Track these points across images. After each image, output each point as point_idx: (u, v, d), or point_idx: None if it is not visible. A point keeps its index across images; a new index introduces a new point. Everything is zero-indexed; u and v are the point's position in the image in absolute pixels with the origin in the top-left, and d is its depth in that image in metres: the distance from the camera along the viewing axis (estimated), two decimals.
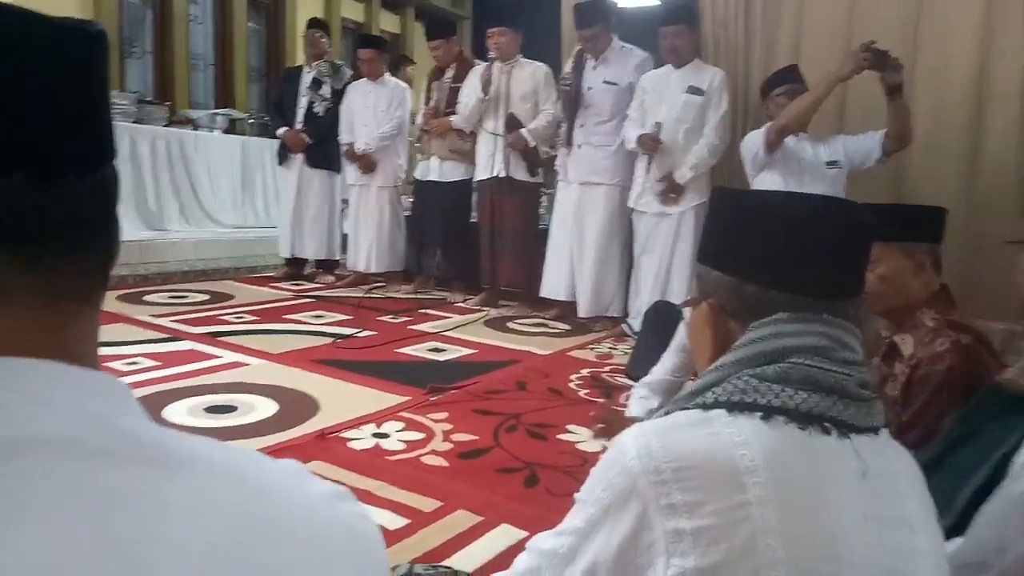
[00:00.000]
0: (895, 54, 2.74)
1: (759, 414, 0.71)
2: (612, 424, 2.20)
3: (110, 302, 3.82)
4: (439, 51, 4.42)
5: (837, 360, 0.75)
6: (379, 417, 2.35)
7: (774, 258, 0.79)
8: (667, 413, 0.78)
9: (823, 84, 2.82)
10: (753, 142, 3.03)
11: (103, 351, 2.83)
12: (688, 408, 0.75)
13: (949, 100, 3.32)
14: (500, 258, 4.19)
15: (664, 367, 2.19)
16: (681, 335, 2.26)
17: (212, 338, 3.24)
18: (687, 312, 0.94)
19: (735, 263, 0.82)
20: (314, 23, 4.86)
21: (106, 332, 3.14)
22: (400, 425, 2.29)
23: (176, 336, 3.23)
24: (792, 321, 0.76)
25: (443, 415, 2.41)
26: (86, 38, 0.41)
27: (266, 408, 2.39)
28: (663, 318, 2.31)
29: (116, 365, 2.75)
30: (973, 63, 3.27)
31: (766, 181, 3.05)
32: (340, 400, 2.51)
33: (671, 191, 3.49)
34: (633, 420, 2.03)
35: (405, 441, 2.16)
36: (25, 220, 0.37)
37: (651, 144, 3.42)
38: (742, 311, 0.81)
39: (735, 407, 0.72)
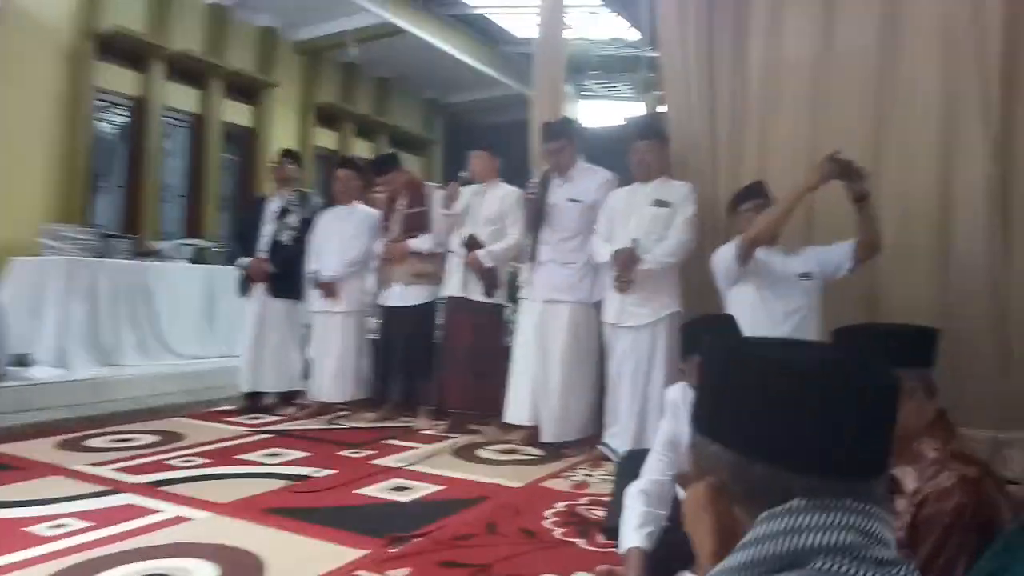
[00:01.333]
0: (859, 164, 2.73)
1: None
2: None
3: (46, 450, 3.56)
4: (391, 183, 4.48)
5: (870, 561, 0.60)
6: None
7: (785, 431, 0.64)
8: None
9: (792, 195, 2.80)
10: (724, 256, 2.97)
11: (27, 512, 2.61)
12: None
13: (914, 207, 3.32)
14: (457, 380, 4.01)
15: (653, 469, 1.98)
16: (664, 432, 2.09)
17: (154, 488, 2.96)
18: (680, 491, 0.77)
19: (738, 436, 0.67)
20: (285, 153, 4.86)
21: (34, 488, 2.89)
22: None
23: (114, 488, 2.94)
24: (810, 511, 0.61)
25: (405, 571, 2.14)
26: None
27: (205, 575, 2.11)
28: (637, 468, 2.13)
29: (38, 529, 2.46)
30: (934, 170, 3.29)
31: (741, 294, 2.98)
32: (289, 559, 2.24)
33: (624, 275, 3.32)
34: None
35: None
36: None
37: (627, 259, 3.31)
38: (750, 495, 0.65)
39: None
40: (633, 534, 1.81)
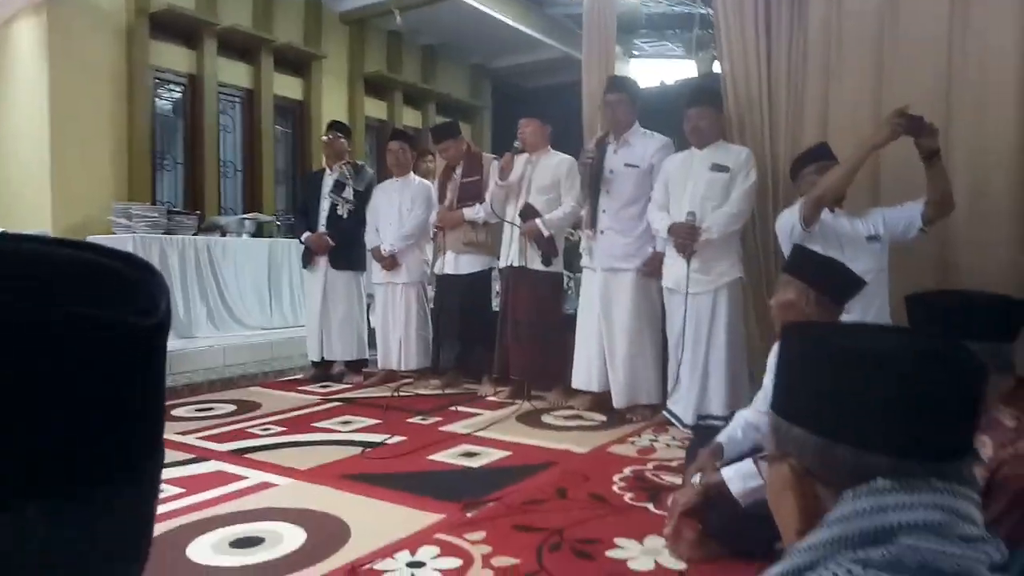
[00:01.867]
0: (928, 120, 2.66)
1: None
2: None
3: None
4: (448, 152, 4.50)
5: (956, 538, 0.61)
6: (412, 542, 2.19)
7: (871, 415, 0.66)
8: None
9: (858, 153, 2.73)
10: (788, 219, 2.94)
11: None
12: None
13: (989, 167, 3.20)
14: (517, 348, 4.07)
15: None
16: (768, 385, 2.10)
17: (239, 456, 3.14)
18: (764, 467, 0.80)
19: (820, 421, 0.69)
20: (332, 125, 4.93)
21: None
22: (436, 550, 2.13)
23: (202, 456, 3.13)
24: (896, 491, 0.63)
25: (481, 535, 2.24)
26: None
27: (294, 538, 2.25)
28: (706, 441, 2.20)
29: None
30: (1011, 125, 3.17)
31: None
32: (371, 522, 2.37)
33: (687, 238, 3.31)
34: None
35: (442, 570, 2.00)
36: None
37: (687, 233, 3.30)
38: (833, 476, 0.68)
39: None
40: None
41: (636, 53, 8.17)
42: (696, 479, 2.06)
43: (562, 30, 8.14)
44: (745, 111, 3.82)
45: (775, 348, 2.17)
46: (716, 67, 4.53)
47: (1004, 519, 1.35)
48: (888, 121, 2.61)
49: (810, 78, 3.68)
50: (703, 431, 2.58)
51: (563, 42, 8.13)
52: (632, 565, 2.03)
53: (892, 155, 3.11)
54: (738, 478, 1.92)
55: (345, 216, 4.72)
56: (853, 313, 2.81)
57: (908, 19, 3.43)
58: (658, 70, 7.91)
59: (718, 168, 3.37)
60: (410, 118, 8.75)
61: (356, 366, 4.89)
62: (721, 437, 2.12)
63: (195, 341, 5.30)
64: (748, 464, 1.94)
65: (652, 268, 3.65)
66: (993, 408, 1.46)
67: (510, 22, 7.49)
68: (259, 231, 6.47)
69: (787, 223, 2.95)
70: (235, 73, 6.86)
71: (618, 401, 3.69)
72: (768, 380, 2.17)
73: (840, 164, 2.84)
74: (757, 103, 3.79)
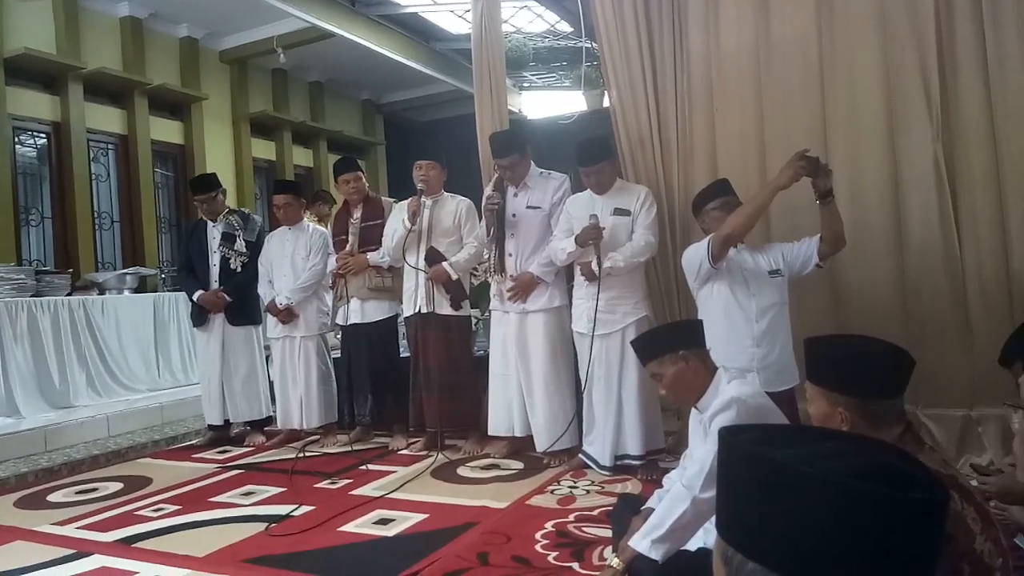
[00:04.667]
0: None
1: None
2: None
3: (5, 510, 3.40)
4: (350, 185, 4.32)
5: None
6: None
7: (837, 559, 0.61)
8: None
9: (764, 193, 2.82)
10: (695, 255, 2.97)
11: None
12: None
13: (865, 191, 3.39)
14: (431, 397, 3.93)
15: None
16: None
17: (126, 546, 2.84)
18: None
19: (781, 557, 0.63)
20: (197, 187, 4.57)
21: (1, 555, 2.73)
22: None
23: (83, 551, 2.81)
24: None
25: None
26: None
27: None
28: (631, 511, 2.17)
29: None
30: (882, 151, 3.37)
31: (713, 293, 2.99)
32: None
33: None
34: None
35: None
36: None
37: (593, 232, 3.27)
38: None
39: None
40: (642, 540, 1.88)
41: (527, 85, 8.27)
42: (610, 558, 2.02)
43: (451, 65, 8.14)
44: (636, 145, 3.88)
45: (694, 413, 2.17)
46: (606, 101, 4.60)
47: None
48: (791, 163, 2.71)
49: (695, 111, 3.79)
50: (627, 498, 2.55)
51: (453, 77, 8.13)
52: None
53: (780, 196, 3.22)
54: (641, 537, 1.90)
55: (239, 269, 4.45)
56: (762, 347, 2.89)
57: (780, 55, 3.59)
58: (549, 102, 8.03)
59: (620, 212, 3.40)
60: (301, 157, 8.49)
61: (259, 425, 4.60)
62: (652, 502, 2.07)
63: (74, 411, 4.86)
64: (648, 522, 1.92)
65: (521, 289, 3.61)
66: None
67: (398, 58, 7.41)
68: (142, 286, 6.05)
69: (695, 260, 2.98)
70: (105, 118, 6.44)
71: (540, 444, 3.63)
72: (694, 444, 2.15)
73: (745, 204, 2.92)
74: (648, 137, 3.86)
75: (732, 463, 0.71)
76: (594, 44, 4.54)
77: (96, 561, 2.70)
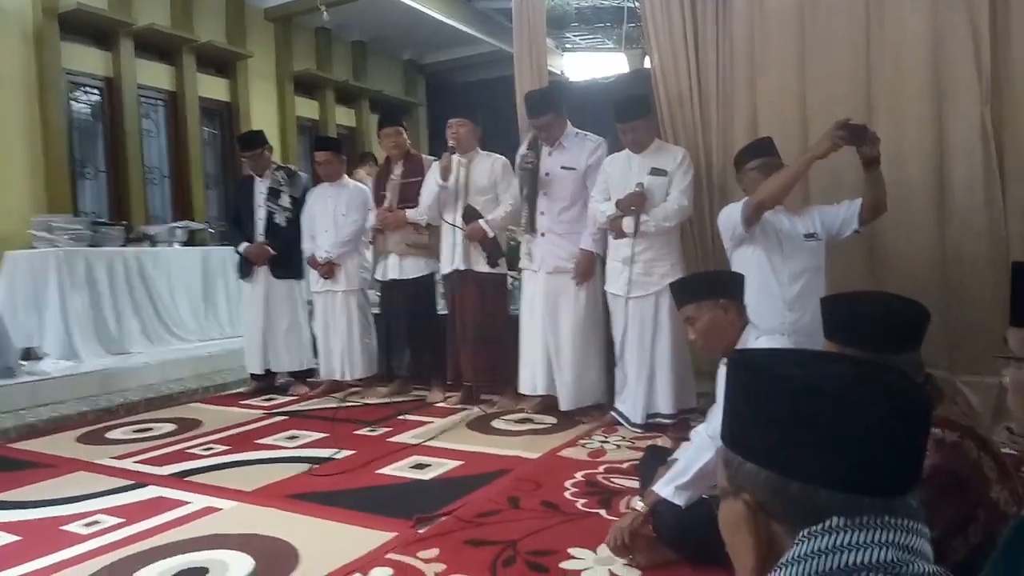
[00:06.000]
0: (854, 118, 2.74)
1: None
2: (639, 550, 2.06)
3: (68, 445, 3.62)
4: (395, 138, 4.40)
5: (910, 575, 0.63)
6: (364, 564, 2.16)
7: (821, 452, 0.66)
8: None
9: (800, 162, 2.80)
10: (730, 217, 2.98)
11: (62, 510, 2.68)
12: None
13: (909, 154, 3.33)
14: (467, 353, 4.05)
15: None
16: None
17: (180, 480, 3.03)
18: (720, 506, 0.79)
19: (771, 456, 0.68)
20: (245, 144, 4.72)
21: (63, 485, 2.96)
22: (388, 572, 2.11)
23: (141, 482, 3.01)
24: (850, 529, 0.64)
25: (434, 552, 2.22)
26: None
27: (241, 567, 2.19)
28: (658, 463, 2.24)
29: (74, 527, 2.54)
30: (927, 115, 3.31)
31: (747, 255, 2.99)
32: (320, 544, 2.32)
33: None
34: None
35: None
36: None
37: (637, 199, 3.32)
38: (787, 513, 0.68)
39: None
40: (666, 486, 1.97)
41: (568, 47, 8.19)
42: (635, 502, 2.10)
43: (493, 25, 8.10)
44: (676, 106, 3.87)
45: (722, 368, 2.23)
46: (647, 62, 4.57)
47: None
48: (829, 134, 2.66)
49: (737, 71, 3.75)
50: (655, 450, 2.62)
51: (495, 37, 8.10)
52: (587, 575, 2.05)
53: (821, 161, 3.20)
54: (664, 483, 1.98)
55: (284, 224, 4.60)
56: (794, 311, 2.90)
57: (826, 13, 3.53)
58: (591, 63, 7.96)
59: (657, 172, 3.41)
60: (343, 117, 8.59)
61: (302, 376, 4.79)
62: (678, 454, 2.15)
63: (130, 358, 5.10)
64: (672, 468, 1.99)
65: (583, 269, 3.66)
66: None
67: (440, 17, 7.41)
68: (191, 239, 6.26)
69: (729, 221, 2.98)
70: (156, 75, 6.60)
71: (565, 403, 3.71)
72: (720, 396, 2.22)
73: (780, 172, 2.90)
74: (688, 98, 3.84)
75: (737, 375, 0.77)
76: (636, 3, 4.49)
77: (152, 491, 2.90)
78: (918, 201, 3.33)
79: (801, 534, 0.66)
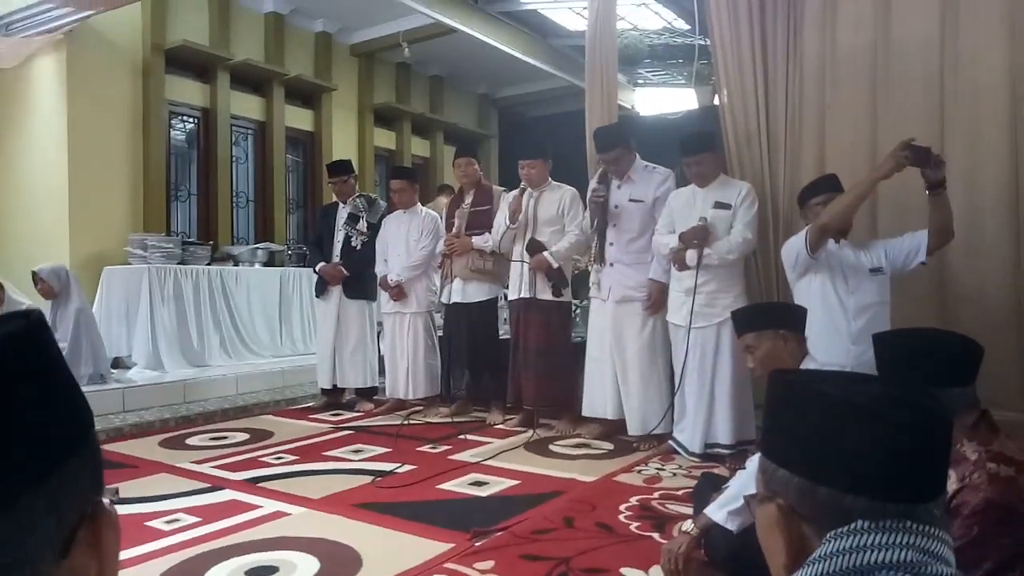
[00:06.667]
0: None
1: None
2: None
3: (152, 448, 3.86)
4: (467, 168, 4.60)
5: None
6: (423, 571, 2.25)
7: (849, 461, 0.72)
8: None
9: (863, 183, 2.80)
10: (794, 246, 2.99)
11: (147, 507, 2.88)
12: None
13: (983, 194, 3.29)
14: (528, 377, 4.14)
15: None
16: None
17: (252, 485, 3.21)
18: (753, 508, 0.86)
19: (803, 463, 0.75)
20: (334, 171, 5.01)
21: (148, 485, 3.16)
22: None
23: (217, 485, 3.20)
24: (873, 531, 0.69)
25: (489, 564, 2.30)
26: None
27: (308, 567, 2.31)
28: (712, 488, 2.27)
29: (157, 524, 2.72)
30: (1004, 154, 3.26)
31: (812, 287, 2.99)
32: (382, 551, 2.43)
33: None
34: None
35: None
36: None
37: (699, 234, 3.37)
38: (816, 516, 0.74)
39: None
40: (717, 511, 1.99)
41: (640, 82, 8.31)
42: (687, 526, 2.13)
43: (566, 60, 8.30)
44: (743, 144, 3.91)
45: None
46: (716, 99, 4.63)
47: (960, 543, 1.40)
48: (894, 154, 2.66)
49: (807, 111, 3.78)
50: (711, 477, 2.64)
51: (567, 72, 8.28)
52: None
53: (888, 187, 3.19)
54: (717, 507, 2.00)
55: (359, 247, 4.83)
56: (858, 345, 2.88)
57: (899, 53, 3.54)
58: (662, 99, 8.05)
59: (721, 206, 3.46)
60: (418, 148, 8.90)
61: (367, 394, 4.97)
62: (733, 481, 2.17)
63: (209, 370, 5.40)
64: (725, 493, 2.01)
65: (655, 299, 3.72)
66: (958, 443, 1.52)
67: (515, 53, 7.64)
68: (270, 260, 6.59)
69: (792, 250, 3.00)
70: (247, 106, 7.03)
71: (632, 428, 3.76)
72: None
73: (844, 194, 2.90)
74: (756, 136, 3.88)
75: (776, 389, 0.84)
76: (708, 41, 4.57)
77: (228, 495, 3.08)
78: (991, 235, 3.28)
79: (828, 535, 0.71)
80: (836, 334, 2.91)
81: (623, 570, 2.23)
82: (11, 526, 0.39)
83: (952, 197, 2.82)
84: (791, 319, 2.30)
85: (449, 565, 2.30)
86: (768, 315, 2.32)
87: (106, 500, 0.46)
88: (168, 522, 2.74)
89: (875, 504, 0.70)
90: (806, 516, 0.75)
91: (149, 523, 2.74)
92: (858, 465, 0.72)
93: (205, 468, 3.49)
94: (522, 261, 4.13)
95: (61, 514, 0.42)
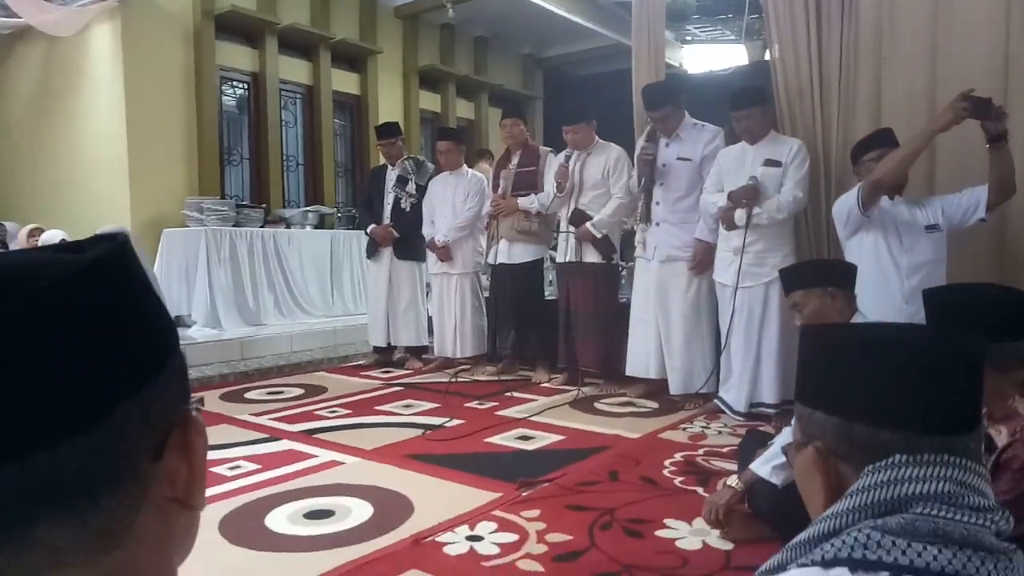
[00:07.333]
0: None
1: (886, 574, 0.65)
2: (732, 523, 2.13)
3: (214, 401, 4.04)
4: (513, 128, 4.60)
5: (966, 508, 0.69)
6: (472, 517, 2.34)
7: (882, 395, 0.74)
8: (781, 563, 0.74)
9: (919, 137, 2.71)
10: (846, 203, 2.93)
11: (211, 455, 3.02)
12: (806, 565, 0.70)
13: None
14: (575, 339, 4.18)
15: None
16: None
17: (309, 436, 3.35)
18: (792, 456, 0.89)
19: (839, 403, 0.77)
20: (384, 131, 5.07)
21: (211, 434, 3.33)
22: (493, 526, 2.28)
23: (275, 436, 3.35)
24: (910, 465, 0.71)
25: (535, 512, 2.38)
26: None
27: (362, 512, 2.42)
28: (756, 446, 2.29)
29: (220, 469, 2.87)
30: None
31: (864, 245, 2.92)
32: (433, 499, 2.53)
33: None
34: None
35: (499, 544, 2.14)
36: None
37: (749, 193, 3.33)
38: (853, 454, 0.76)
39: (858, 565, 0.66)
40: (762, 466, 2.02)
41: (688, 39, 8.12)
42: (731, 480, 2.16)
43: (612, 18, 8.15)
44: (795, 99, 3.82)
45: None
46: (767, 54, 4.51)
47: (1008, 492, 1.40)
48: (952, 105, 2.57)
49: (862, 65, 3.66)
50: (756, 434, 2.66)
51: (613, 30, 8.14)
52: (680, 544, 2.13)
53: (948, 141, 3.09)
54: (762, 463, 2.03)
55: (408, 209, 4.91)
56: (912, 304, 2.83)
57: (961, 5, 3.38)
58: (711, 56, 7.86)
59: (771, 163, 3.40)
60: (463, 110, 8.89)
61: (417, 352, 5.08)
62: (777, 438, 2.19)
63: (264, 328, 5.59)
64: (770, 449, 2.04)
65: (700, 259, 3.70)
66: (1010, 399, 1.50)
67: (560, 12, 7.54)
68: (321, 223, 6.72)
69: (844, 207, 2.93)
70: (295, 70, 7.11)
71: (675, 388, 3.78)
72: None
73: (899, 148, 2.82)
74: (808, 91, 3.78)
75: (807, 340, 0.87)
76: None
77: (285, 444, 3.22)
78: None
79: (866, 470, 0.73)
80: (888, 293, 2.86)
81: (666, 521, 2.28)
82: (110, 430, 0.42)
83: (1015, 150, 2.73)
84: (840, 276, 2.28)
85: (497, 513, 2.38)
86: (816, 272, 2.30)
87: (193, 410, 0.50)
88: (231, 468, 2.89)
89: (911, 437, 0.72)
90: (843, 456, 0.77)
91: (213, 469, 2.88)
92: (891, 400, 0.74)
93: (263, 420, 3.65)
94: (567, 232, 4.14)
95: (154, 422, 0.45)
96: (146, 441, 0.44)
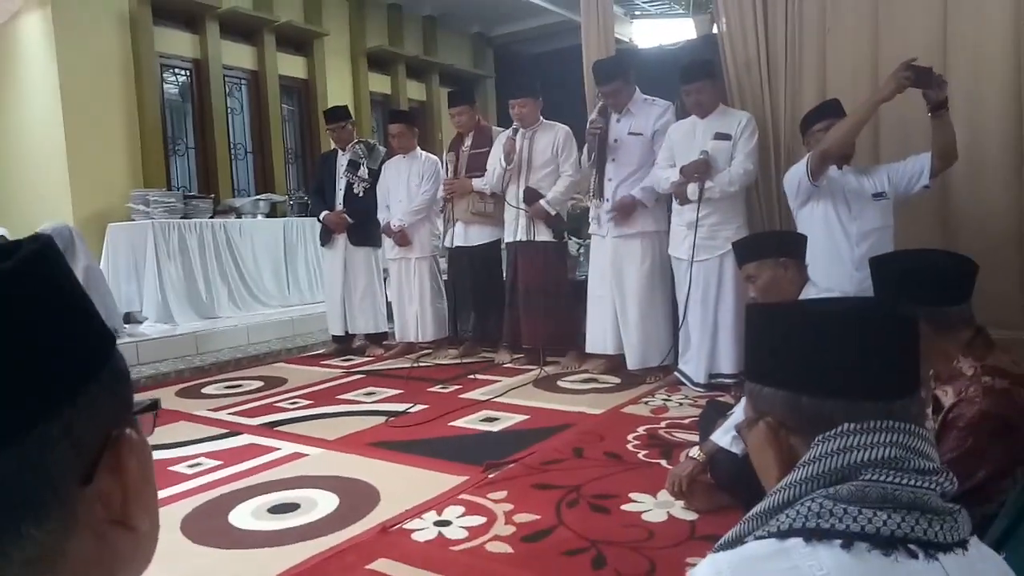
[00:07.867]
0: None
1: (839, 542, 0.67)
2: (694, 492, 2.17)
3: (170, 398, 3.95)
4: (461, 117, 4.55)
5: (912, 471, 0.71)
6: (439, 502, 2.34)
7: (823, 366, 0.76)
8: (738, 535, 0.75)
9: (865, 107, 2.77)
10: (796, 173, 2.98)
11: (168, 453, 2.97)
12: (763, 537, 0.71)
13: (986, 118, 3.24)
14: (530, 317, 4.19)
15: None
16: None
17: (270, 429, 3.30)
18: (745, 433, 0.90)
19: (785, 377, 0.79)
20: (331, 117, 4.97)
21: (168, 432, 3.24)
22: (461, 510, 2.28)
23: (235, 430, 3.29)
24: (857, 432, 0.73)
25: (502, 494, 2.39)
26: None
27: (328, 503, 2.40)
28: (716, 416, 2.33)
29: (180, 468, 2.81)
30: (1008, 82, 3.21)
31: (814, 214, 2.98)
32: (399, 486, 2.52)
33: (680, 195, 3.41)
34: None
35: (467, 528, 2.15)
36: None
37: (700, 167, 3.37)
38: (802, 426, 0.78)
39: (812, 534, 0.68)
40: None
41: (638, 13, 8.12)
42: (693, 451, 2.20)
43: None
44: (743, 73, 3.86)
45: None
46: (715, 28, 4.54)
47: (954, 451, 1.45)
48: (895, 75, 2.62)
49: (807, 36, 3.71)
50: (716, 405, 2.71)
51: (562, 6, 8.09)
52: (646, 517, 2.17)
53: (891, 111, 3.16)
54: (722, 432, 2.08)
55: (361, 194, 4.83)
56: (862, 271, 2.90)
57: None
58: (661, 30, 7.87)
59: (721, 136, 3.44)
60: (414, 91, 8.77)
61: (377, 339, 5.04)
62: (738, 408, 2.24)
63: (219, 321, 5.47)
64: (729, 420, 2.08)
65: (621, 208, 3.72)
66: (955, 360, 1.55)
67: None
68: (273, 211, 6.58)
69: (794, 178, 2.99)
70: (239, 55, 6.90)
71: (632, 363, 3.81)
72: None
73: (845, 119, 2.87)
74: (755, 63, 3.82)
75: (753, 315, 0.90)
76: None
77: (246, 439, 3.17)
78: (994, 159, 3.25)
79: (816, 440, 0.75)
80: (839, 261, 2.93)
81: (632, 494, 2.31)
82: (29, 452, 0.38)
83: (955, 118, 2.80)
84: (791, 246, 2.33)
85: (464, 496, 2.39)
86: (768, 243, 2.35)
87: (127, 430, 0.45)
88: (191, 466, 2.84)
89: (853, 404, 0.74)
90: (793, 428, 0.79)
91: (173, 467, 2.83)
92: (832, 370, 0.76)
93: (222, 415, 3.58)
94: (518, 207, 4.13)
95: (80, 444, 0.41)
96: (72, 465, 0.41)
